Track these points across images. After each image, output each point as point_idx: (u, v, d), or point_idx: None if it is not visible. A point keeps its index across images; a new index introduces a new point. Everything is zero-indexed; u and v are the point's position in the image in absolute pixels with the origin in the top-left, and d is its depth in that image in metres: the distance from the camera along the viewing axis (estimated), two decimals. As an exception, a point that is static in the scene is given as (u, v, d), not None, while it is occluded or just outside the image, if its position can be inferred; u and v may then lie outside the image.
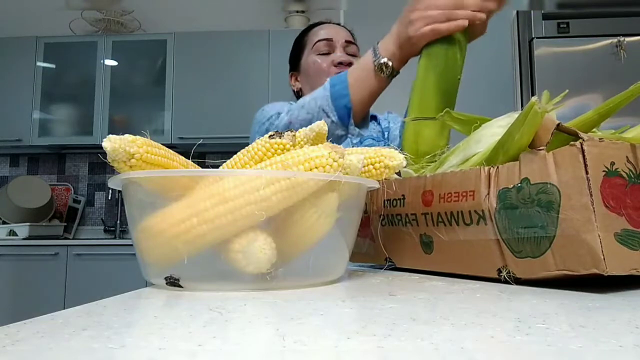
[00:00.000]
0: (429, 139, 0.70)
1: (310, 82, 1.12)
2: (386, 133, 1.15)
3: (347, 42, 1.12)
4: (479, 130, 0.55)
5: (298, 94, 1.20)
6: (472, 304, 0.34)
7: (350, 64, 1.06)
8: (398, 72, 0.78)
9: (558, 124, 0.42)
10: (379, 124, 1.16)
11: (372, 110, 1.14)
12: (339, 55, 1.09)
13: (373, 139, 1.09)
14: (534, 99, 0.43)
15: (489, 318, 0.28)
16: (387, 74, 0.76)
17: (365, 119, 1.11)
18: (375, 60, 0.76)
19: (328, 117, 0.81)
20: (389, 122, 1.18)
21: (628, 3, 2.17)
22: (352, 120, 0.81)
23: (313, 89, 1.07)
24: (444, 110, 0.58)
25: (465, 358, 0.20)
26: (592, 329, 0.25)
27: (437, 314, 0.30)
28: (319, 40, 1.11)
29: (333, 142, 0.81)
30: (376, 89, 0.80)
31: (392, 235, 0.57)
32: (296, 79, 1.21)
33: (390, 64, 0.76)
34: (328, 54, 1.10)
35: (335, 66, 1.07)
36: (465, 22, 0.69)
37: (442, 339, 0.23)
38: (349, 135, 0.83)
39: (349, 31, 1.17)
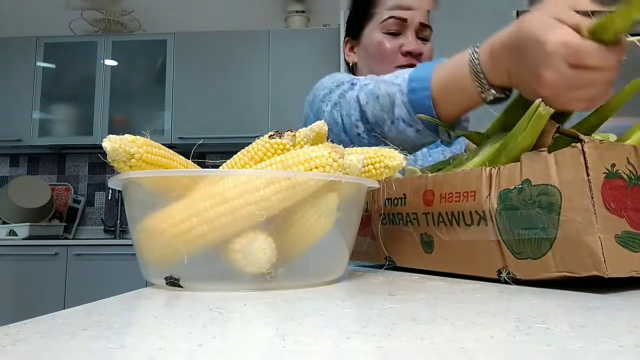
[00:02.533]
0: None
1: (369, 62, 0.97)
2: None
3: (422, 24, 0.94)
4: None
5: (352, 69, 1.03)
6: (472, 304, 0.34)
7: (420, 55, 0.92)
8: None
9: (558, 127, 0.42)
10: None
11: None
12: (409, 41, 0.93)
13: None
14: (538, 101, 0.43)
15: (489, 318, 0.28)
16: (494, 102, 0.55)
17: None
18: (482, 93, 0.54)
19: (411, 126, 0.63)
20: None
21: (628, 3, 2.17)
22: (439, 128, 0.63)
23: (372, 71, 0.93)
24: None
25: (465, 358, 0.20)
26: (592, 329, 0.25)
27: (437, 314, 0.30)
28: (390, 17, 0.93)
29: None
30: (471, 108, 0.59)
31: (393, 235, 0.57)
32: (352, 49, 1.03)
33: (502, 97, 0.54)
34: (397, 34, 0.93)
35: (403, 55, 0.93)
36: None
37: (442, 339, 0.23)
38: (441, 140, 0.65)
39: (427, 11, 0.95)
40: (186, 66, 2.84)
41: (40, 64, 2.87)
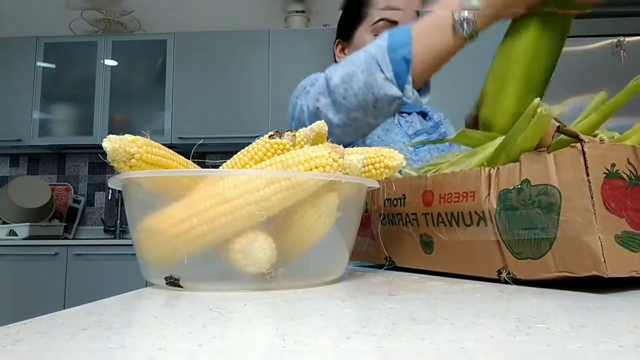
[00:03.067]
0: (508, 110, 0.58)
1: None
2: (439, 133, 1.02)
3: None
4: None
5: None
6: (472, 304, 0.34)
7: None
8: (477, 36, 0.63)
9: (558, 126, 0.42)
10: (429, 119, 1.04)
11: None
12: None
13: (427, 133, 0.98)
14: (536, 101, 0.43)
15: (489, 318, 0.28)
16: (467, 33, 0.62)
17: (427, 85, 0.96)
18: (455, 14, 0.62)
19: (381, 71, 0.67)
20: (443, 123, 1.06)
21: (628, 3, 2.17)
22: (410, 78, 0.67)
23: None
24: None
25: (465, 358, 0.20)
26: (592, 329, 0.25)
27: (437, 314, 0.30)
28: (380, 20, 0.95)
29: (386, 113, 0.70)
30: (447, 48, 0.65)
31: (393, 235, 0.57)
32: (342, 50, 1.04)
33: (474, 19, 0.61)
34: None
35: None
36: None
37: (442, 339, 0.23)
38: (405, 98, 0.69)
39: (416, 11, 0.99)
40: (186, 66, 2.84)
41: (40, 64, 2.87)
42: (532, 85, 0.58)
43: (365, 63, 0.70)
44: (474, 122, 0.65)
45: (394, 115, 1.00)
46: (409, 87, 0.67)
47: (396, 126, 0.99)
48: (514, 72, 0.58)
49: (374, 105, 0.71)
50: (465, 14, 0.61)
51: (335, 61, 1.06)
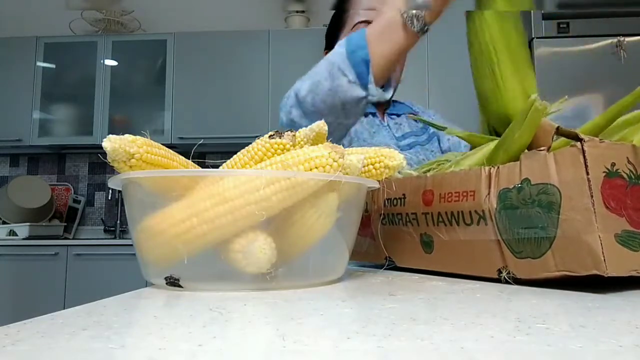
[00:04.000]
0: (513, 89, 0.57)
1: None
2: (429, 135, 1.05)
3: None
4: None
5: None
6: (472, 304, 0.33)
7: None
8: (429, 28, 0.68)
9: (557, 127, 0.42)
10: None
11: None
12: None
13: (415, 135, 1.01)
14: (534, 96, 0.44)
15: (489, 318, 0.28)
16: (418, 28, 0.66)
17: (388, 81, 1.02)
18: (404, 13, 0.67)
19: (344, 75, 0.71)
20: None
21: (628, 3, 2.17)
22: (372, 77, 0.71)
23: None
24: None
25: (465, 358, 0.20)
26: (592, 329, 0.25)
27: (437, 314, 0.30)
28: (360, 22, 0.99)
29: (356, 113, 0.74)
30: (402, 43, 0.70)
31: (393, 235, 0.57)
32: None
33: (422, 14, 0.66)
34: None
35: None
36: None
37: (442, 339, 0.23)
38: (370, 97, 0.73)
39: None
40: (186, 66, 2.84)
41: (40, 64, 2.87)
42: (520, 61, 0.58)
43: (328, 70, 0.74)
44: None
45: (383, 118, 1.01)
46: (372, 86, 0.71)
47: (384, 128, 1.00)
48: (498, 61, 0.58)
49: (342, 108, 0.75)
50: (413, 11, 0.66)
51: None
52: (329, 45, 1.08)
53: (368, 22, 0.97)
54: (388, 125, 1.02)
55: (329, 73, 0.73)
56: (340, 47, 0.73)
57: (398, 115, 1.05)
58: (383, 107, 1.04)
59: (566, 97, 0.57)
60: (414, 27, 0.67)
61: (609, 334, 0.24)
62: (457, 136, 0.59)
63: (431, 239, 0.51)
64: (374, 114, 1.01)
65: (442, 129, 0.62)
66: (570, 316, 0.30)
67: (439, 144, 1.06)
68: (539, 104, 0.43)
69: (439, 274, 0.51)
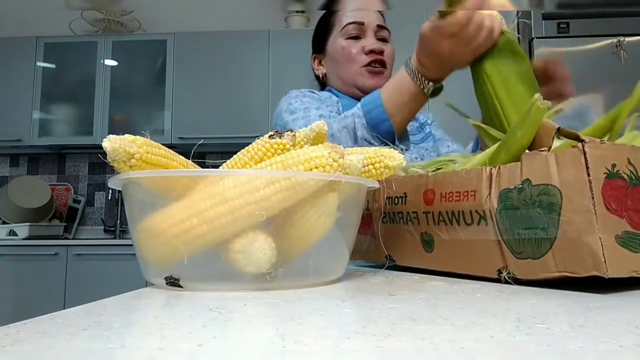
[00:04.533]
0: (523, 97, 0.62)
1: (337, 69, 1.03)
2: (426, 133, 1.08)
3: (379, 26, 1.01)
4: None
5: (321, 80, 1.11)
6: (472, 304, 0.33)
7: (381, 52, 0.99)
8: (442, 88, 0.74)
9: (558, 128, 0.42)
10: (415, 119, 1.09)
11: None
12: (370, 42, 0.99)
13: (410, 135, 1.03)
14: (536, 96, 0.44)
15: (489, 318, 0.28)
16: (429, 91, 0.72)
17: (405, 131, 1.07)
18: (424, 88, 0.72)
19: (372, 144, 0.76)
20: (429, 123, 1.11)
21: (628, 3, 2.17)
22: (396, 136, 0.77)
23: (339, 76, 1.02)
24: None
25: (465, 358, 0.20)
26: (592, 329, 0.25)
27: (437, 314, 0.30)
28: (349, 23, 1.00)
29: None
30: (419, 108, 0.76)
31: (393, 233, 0.57)
32: (320, 63, 1.10)
33: (440, 86, 0.73)
34: (358, 37, 1.00)
35: (366, 54, 0.99)
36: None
37: (442, 339, 0.23)
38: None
39: (381, 13, 1.06)
40: (186, 66, 2.84)
41: (40, 64, 2.87)
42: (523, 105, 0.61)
43: (355, 138, 0.78)
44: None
45: None
46: (397, 142, 0.76)
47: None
48: (502, 109, 0.62)
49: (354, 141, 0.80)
50: (431, 84, 0.71)
51: (315, 75, 1.12)
52: (317, 49, 1.10)
53: (357, 23, 0.99)
54: None
55: (360, 141, 0.77)
56: (359, 118, 0.77)
57: None
58: None
59: (569, 98, 0.58)
60: (426, 90, 0.72)
61: (609, 334, 0.24)
62: (474, 125, 0.61)
63: (432, 238, 0.51)
64: None
65: (466, 117, 0.63)
66: (570, 316, 0.30)
67: (434, 142, 1.07)
68: (541, 104, 0.43)
69: (439, 274, 0.51)
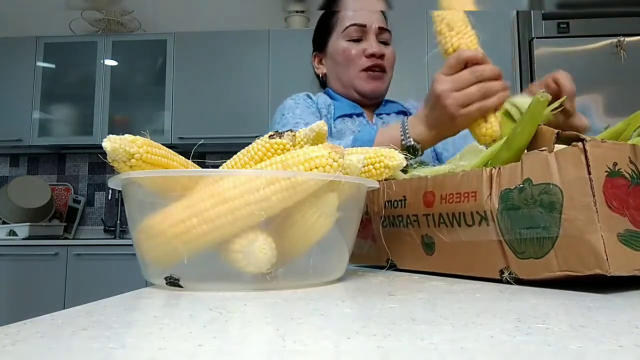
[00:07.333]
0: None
1: (336, 70, 1.03)
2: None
3: (381, 29, 1.00)
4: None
5: (321, 79, 1.11)
6: (472, 304, 0.33)
7: (382, 56, 0.99)
8: (422, 153, 0.75)
9: (558, 132, 0.42)
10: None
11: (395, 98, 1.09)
12: (371, 45, 0.98)
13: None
14: (539, 92, 0.44)
15: (489, 318, 0.28)
16: (413, 155, 0.73)
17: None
18: (403, 141, 0.73)
19: None
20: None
21: (628, 3, 2.17)
22: None
23: (339, 77, 1.02)
24: None
25: (465, 358, 0.20)
26: (592, 329, 0.25)
27: (437, 314, 0.30)
28: (351, 25, 0.99)
29: None
30: None
31: (393, 237, 0.57)
32: (320, 62, 1.09)
33: (419, 147, 0.73)
34: (359, 40, 0.99)
35: (366, 57, 0.98)
36: (506, 92, 0.65)
37: (442, 339, 0.23)
38: None
39: (383, 13, 1.04)
40: (186, 66, 2.83)
41: (40, 64, 2.86)
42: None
43: None
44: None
45: (371, 118, 1.02)
46: None
47: (370, 128, 1.00)
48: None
49: None
50: (412, 143, 0.72)
51: (315, 73, 1.11)
52: (318, 47, 1.09)
53: (359, 25, 0.98)
54: (376, 125, 1.02)
55: None
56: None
57: (388, 114, 1.05)
58: (372, 108, 1.05)
59: (565, 97, 0.58)
60: (410, 154, 0.71)
61: (609, 334, 0.24)
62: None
63: (432, 240, 0.51)
64: (359, 115, 1.01)
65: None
66: (570, 316, 0.29)
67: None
68: (541, 96, 0.43)
69: (439, 274, 0.51)
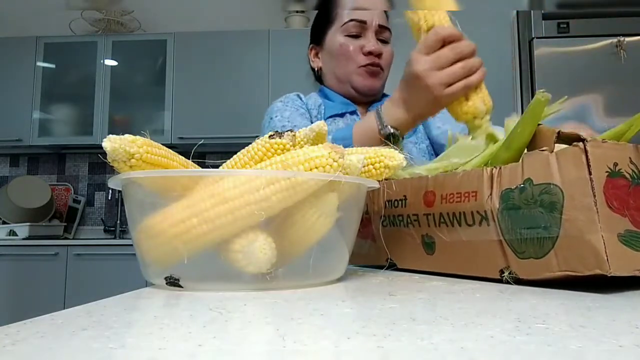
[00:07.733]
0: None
1: (332, 65, 1.01)
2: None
3: (381, 26, 0.98)
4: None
5: (317, 73, 1.08)
6: (472, 304, 0.33)
7: (380, 55, 0.96)
8: (404, 138, 0.73)
9: (558, 132, 0.42)
10: None
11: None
12: (370, 43, 0.96)
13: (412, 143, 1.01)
14: (540, 91, 0.44)
15: (489, 318, 0.28)
16: (394, 143, 0.69)
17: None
18: (382, 131, 0.70)
19: None
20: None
21: (628, 3, 2.17)
22: None
23: (335, 73, 1.00)
24: None
25: (465, 358, 0.20)
26: (592, 329, 0.25)
27: (437, 314, 0.30)
28: (350, 20, 0.96)
29: None
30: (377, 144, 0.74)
31: (394, 236, 0.57)
32: (316, 55, 1.07)
33: (398, 133, 0.70)
34: (358, 36, 0.97)
35: (364, 55, 0.96)
36: (484, 69, 0.64)
37: (442, 339, 0.23)
38: None
39: (385, 12, 1.01)
40: (186, 66, 2.83)
41: (40, 64, 2.86)
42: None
43: None
44: None
45: (364, 114, 1.01)
46: None
47: (347, 127, 0.99)
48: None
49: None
50: (391, 131, 0.70)
51: (311, 67, 1.09)
52: (315, 40, 1.06)
53: (359, 21, 0.96)
54: None
55: None
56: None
57: None
58: (366, 105, 1.03)
59: (566, 97, 0.58)
60: (390, 142, 0.69)
61: (609, 334, 0.24)
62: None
63: (433, 240, 0.51)
64: (352, 112, 0.99)
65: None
66: (570, 316, 0.29)
67: (425, 129, 1.05)
68: (541, 95, 0.43)
69: (439, 274, 0.51)
